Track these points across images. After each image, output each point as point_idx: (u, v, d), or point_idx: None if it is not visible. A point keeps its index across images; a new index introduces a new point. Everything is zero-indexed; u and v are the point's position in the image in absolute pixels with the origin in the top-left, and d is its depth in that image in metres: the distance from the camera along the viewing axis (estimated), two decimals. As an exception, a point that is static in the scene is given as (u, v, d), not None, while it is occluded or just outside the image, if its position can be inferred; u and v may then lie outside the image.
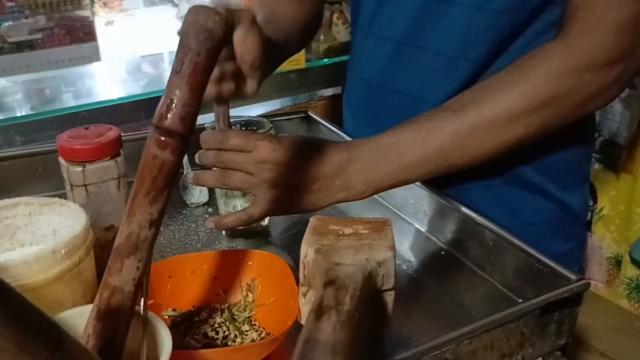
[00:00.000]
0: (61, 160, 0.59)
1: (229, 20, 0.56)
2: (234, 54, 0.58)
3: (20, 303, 0.28)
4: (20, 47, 2.77)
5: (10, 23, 2.70)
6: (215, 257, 0.58)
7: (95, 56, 2.95)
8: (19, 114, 1.15)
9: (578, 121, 0.63)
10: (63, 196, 0.60)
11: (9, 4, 2.57)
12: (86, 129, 0.60)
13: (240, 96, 0.62)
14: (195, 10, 0.40)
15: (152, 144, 0.40)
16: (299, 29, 0.78)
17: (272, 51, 0.67)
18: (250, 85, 0.60)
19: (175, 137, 0.40)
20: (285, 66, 1.33)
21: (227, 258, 0.58)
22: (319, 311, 0.36)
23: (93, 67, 1.73)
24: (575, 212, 0.77)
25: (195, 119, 0.40)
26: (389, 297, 0.49)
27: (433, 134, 0.60)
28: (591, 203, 1.18)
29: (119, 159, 0.61)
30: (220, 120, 0.64)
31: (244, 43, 0.56)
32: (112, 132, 0.61)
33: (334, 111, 1.50)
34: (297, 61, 1.33)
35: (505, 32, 0.66)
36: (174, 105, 0.40)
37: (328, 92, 1.50)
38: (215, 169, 0.63)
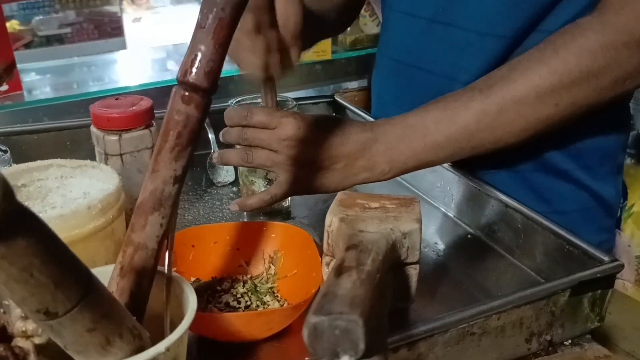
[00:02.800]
0: (95, 130, 0.60)
1: None
2: (275, 23, 0.57)
3: (60, 245, 0.29)
4: (49, 40, 2.82)
5: (41, 17, 2.75)
6: (238, 228, 0.58)
7: (122, 50, 3.00)
8: (46, 97, 1.16)
9: (613, 106, 0.61)
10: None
11: (41, -3, 2.61)
12: (116, 99, 0.61)
13: (285, 68, 0.61)
14: None
15: (177, 99, 0.40)
16: (341, 7, 0.78)
17: (313, 23, 0.66)
18: (293, 54, 0.60)
19: (199, 92, 0.39)
20: (310, 57, 1.33)
21: (250, 230, 0.58)
22: (339, 270, 0.35)
23: (119, 55, 1.74)
24: (607, 202, 0.75)
25: (219, 75, 0.40)
26: (413, 271, 0.48)
27: (459, 113, 0.59)
28: (621, 200, 1.15)
29: (153, 128, 0.61)
30: (267, 97, 0.63)
31: (285, 11, 0.56)
32: (144, 102, 0.61)
33: (359, 103, 1.49)
34: (323, 52, 1.33)
35: (535, 7, 0.64)
36: (198, 60, 0.39)
37: (353, 84, 1.49)
38: (238, 147, 0.63)
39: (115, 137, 0.58)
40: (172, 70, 1.38)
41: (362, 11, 1.39)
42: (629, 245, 1.13)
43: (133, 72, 1.43)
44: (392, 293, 0.44)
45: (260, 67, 0.59)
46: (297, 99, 1.08)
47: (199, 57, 0.40)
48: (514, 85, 0.58)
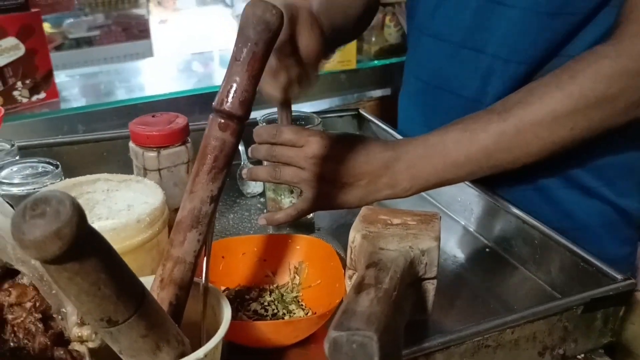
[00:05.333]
0: (133, 147, 0.64)
1: (290, 15, 0.60)
2: (295, 61, 0.62)
3: (120, 261, 0.33)
4: (79, 43, 2.90)
5: (72, 20, 2.83)
6: (265, 240, 0.62)
7: (148, 53, 3.07)
8: (81, 105, 1.22)
9: (635, 124, 0.63)
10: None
11: (73, 0, 2.69)
12: (153, 116, 0.65)
13: (304, 91, 0.66)
14: (253, 3, 0.43)
15: (214, 126, 0.43)
16: (355, 15, 0.81)
17: (329, 39, 0.70)
18: (312, 80, 0.66)
19: (235, 119, 0.43)
20: (335, 66, 1.36)
21: (276, 242, 0.62)
22: (359, 287, 0.39)
23: (147, 62, 1.80)
24: (632, 216, 0.77)
25: (252, 103, 0.44)
26: (431, 286, 0.51)
27: (478, 134, 0.62)
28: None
29: (188, 144, 0.66)
30: (283, 121, 0.68)
31: (307, 45, 0.61)
32: (180, 120, 0.65)
33: (383, 112, 1.52)
34: (348, 62, 1.36)
35: (558, 34, 0.67)
36: (233, 91, 0.43)
37: (377, 93, 1.52)
38: (267, 163, 0.67)
39: (154, 154, 0.63)
40: (197, 79, 1.43)
41: (387, 21, 1.42)
42: (651, 258, 1.14)
43: (161, 80, 1.48)
44: (410, 307, 0.47)
45: (279, 99, 0.65)
46: (322, 111, 1.12)
47: (234, 88, 0.44)
48: (531, 109, 0.61)
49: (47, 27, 2.67)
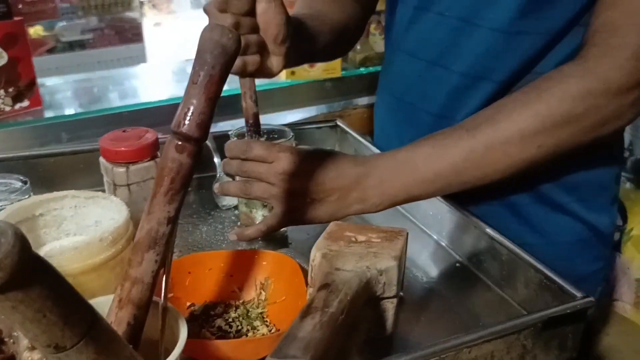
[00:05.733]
0: (104, 162, 0.65)
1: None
2: (256, 28, 0.61)
3: (67, 286, 0.33)
4: (72, 46, 2.91)
5: (65, 23, 2.84)
6: (232, 256, 0.63)
7: (141, 57, 3.08)
8: (65, 113, 1.23)
9: (604, 141, 0.64)
10: (102, 191, 0.66)
11: (64, 5, 2.70)
12: (124, 131, 0.66)
13: (264, 72, 0.65)
14: (211, 27, 0.44)
15: (171, 148, 0.44)
16: (336, 32, 0.81)
17: (304, 37, 0.71)
18: (275, 61, 0.64)
19: (192, 142, 0.44)
20: (321, 74, 1.37)
21: (243, 257, 0.63)
22: (306, 311, 0.40)
23: (136, 70, 1.81)
24: (602, 233, 0.78)
25: (209, 125, 0.45)
26: (390, 305, 0.52)
27: (447, 151, 0.63)
28: (621, 223, 1.18)
29: (158, 159, 0.67)
30: (246, 97, 0.68)
31: (265, 14, 0.60)
32: (150, 135, 0.66)
33: (369, 119, 1.53)
34: (333, 70, 1.37)
35: (528, 54, 0.68)
36: (190, 113, 0.44)
37: (363, 100, 1.53)
38: (238, 178, 0.68)
39: (123, 169, 0.64)
40: (184, 87, 1.44)
41: (372, 29, 1.43)
42: (629, 268, 1.15)
43: (149, 87, 1.49)
44: (366, 326, 0.48)
45: (237, 67, 0.62)
46: (299, 122, 1.13)
47: (191, 110, 0.45)
48: (500, 126, 0.62)
49: (39, 30, 2.69)
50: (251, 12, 0.61)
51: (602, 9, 0.61)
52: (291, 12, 0.68)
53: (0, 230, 0.29)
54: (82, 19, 2.93)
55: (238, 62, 0.62)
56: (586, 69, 0.61)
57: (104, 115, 1.23)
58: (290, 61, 0.67)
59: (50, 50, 2.76)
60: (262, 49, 0.63)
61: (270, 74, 0.67)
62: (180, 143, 0.45)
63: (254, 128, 0.72)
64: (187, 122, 0.44)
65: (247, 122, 0.72)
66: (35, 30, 2.63)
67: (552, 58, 0.68)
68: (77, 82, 1.49)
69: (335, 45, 0.84)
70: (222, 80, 0.45)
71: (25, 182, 0.62)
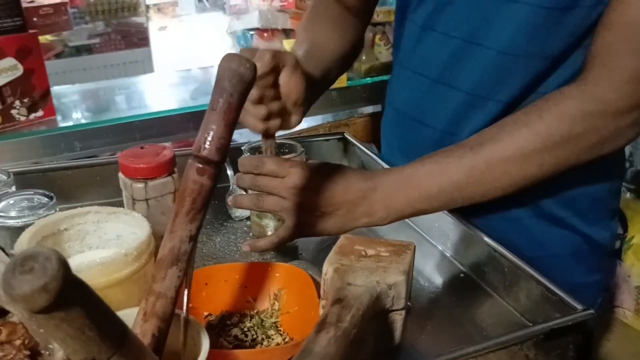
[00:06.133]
0: (123, 177, 0.68)
1: (274, 54, 0.64)
2: (279, 94, 0.67)
3: (102, 305, 0.36)
4: (79, 50, 2.95)
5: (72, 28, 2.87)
6: (246, 268, 0.65)
7: (147, 60, 3.11)
8: (78, 123, 1.26)
9: (603, 158, 0.66)
10: (118, 203, 0.69)
11: (71, 10, 2.73)
12: (142, 148, 0.69)
13: (284, 128, 0.72)
14: (228, 57, 0.47)
15: (192, 171, 0.47)
16: (339, 61, 0.86)
17: (314, 86, 0.75)
18: (294, 119, 0.71)
19: (212, 165, 0.47)
20: (327, 84, 1.40)
21: (257, 269, 0.66)
22: (321, 326, 0.43)
23: (145, 79, 1.84)
24: (601, 245, 0.80)
25: (228, 149, 0.48)
26: (398, 316, 0.54)
27: (450, 168, 0.65)
28: (621, 231, 1.20)
29: (175, 175, 0.70)
30: (267, 152, 0.73)
31: (288, 84, 0.67)
32: (167, 151, 0.69)
33: (374, 127, 1.56)
34: (339, 80, 1.40)
35: (531, 75, 0.70)
36: (210, 138, 0.47)
37: (368, 109, 1.56)
38: (251, 192, 0.71)
39: (141, 185, 0.67)
40: (195, 96, 1.47)
41: (377, 40, 1.46)
42: (629, 276, 1.18)
43: (158, 97, 1.52)
44: (375, 338, 0.51)
45: (262, 130, 0.69)
46: (308, 134, 1.15)
47: (211, 135, 0.47)
48: (501, 145, 0.65)
49: (47, 35, 2.72)
50: (274, 85, 0.68)
51: (601, 33, 0.64)
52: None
53: (45, 256, 0.32)
54: (89, 23, 2.96)
55: (262, 126, 0.70)
56: (585, 90, 0.63)
57: (116, 125, 1.26)
58: (306, 112, 0.74)
59: (58, 55, 2.79)
60: (282, 112, 0.70)
61: (290, 128, 0.73)
62: (201, 166, 0.47)
63: None
64: (207, 146, 0.47)
65: None
66: (43, 36, 2.66)
67: (555, 80, 0.70)
68: (87, 90, 1.52)
69: (340, 69, 0.89)
70: (240, 106, 0.48)
71: (51, 198, 0.64)
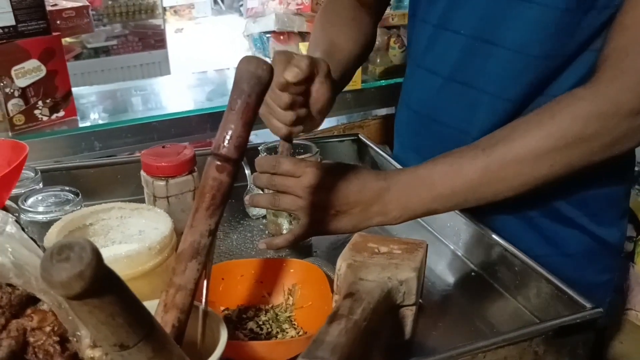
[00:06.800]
0: (145, 175, 0.70)
1: (311, 62, 0.68)
2: (307, 100, 0.71)
3: (130, 294, 0.39)
4: (97, 52, 3.00)
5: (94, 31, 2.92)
6: (262, 263, 0.68)
7: (164, 62, 3.16)
8: (97, 123, 1.29)
9: (614, 159, 0.67)
10: (139, 201, 0.71)
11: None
12: (163, 147, 0.71)
13: (304, 132, 0.75)
14: (247, 60, 0.49)
15: (212, 168, 0.49)
16: (355, 61, 0.88)
17: (336, 90, 0.78)
18: (316, 124, 0.75)
19: (230, 162, 0.49)
20: (342, 86, 1.42)
21: (272, 265, 0.68)
22: (333, 317, 0.45)
23: (162, 80, 1.87)
24: (611, 245, 0.81)
25: (245, 147, 0.50)
26: (409, 312, 0.56)
27: (463, 169, 0.67)
28: (634, 234, 1.21)
29: (195, 173, 0.72)
30: (284, 152, 0.75)
31: (318, 92, 0.70)
32: (188, 151, 0.71)
33: (387, 130, 1.58)
34: (354, 82, 1.42)
35: (542, 75, 0.72)
36: (229, 137, 0.49)
37: (382, 111, 1.58)
38: (267, 191, 0.73)
39: (163, 183, 0.69)
40: (211, 97, 1.50)
41: (392, 43, 1.48)
42: (642, 279, 1.18)
43: (175, 98, 1.55)
44: (387, 332, 0.53)
45: (285, 135, 0.72)
46: (323, 135, 1.18)
47: (229, 134, 0.49)
48: (514, 146, 0.66)
49: (67, 37, 2.77)
50: (305, 92, 0.71)
51: (614, 36, 0.65)
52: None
53: (81, 246, 0.34)
54: (107, 25, 3.02)
55: (285, 131, 0.73)
56: (597, 91, 0.64)
57: (134, 126, 1.29)
58: (325, 117, 0.76)
59: (77, 57, 2.85)
60: (306, 117, 0.73)
61: (309, 132, 0.77)
62: (220, 163, 0.50)
63: None
64: (226, 144, 0.49)
65: None
66: (63, 38, 2.72)
67: (564, 81, 0.72)
68: (105, 92, 1.56)
69: (355, 69, 0.91)
70: (257, 107, 0.50)
71: (77, 194, 0.67)
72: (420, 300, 0.67)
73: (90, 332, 0.39)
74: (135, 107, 1.46)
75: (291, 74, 0.67)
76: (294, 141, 0.84)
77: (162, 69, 3.06)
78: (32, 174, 0.73)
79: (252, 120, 0.50)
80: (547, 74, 0.72)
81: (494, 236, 0.75)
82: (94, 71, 2.88)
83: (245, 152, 0.52)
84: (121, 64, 3.02)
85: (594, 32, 0.68)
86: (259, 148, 0.82)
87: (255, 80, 0.49)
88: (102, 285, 0.35)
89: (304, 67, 0.67)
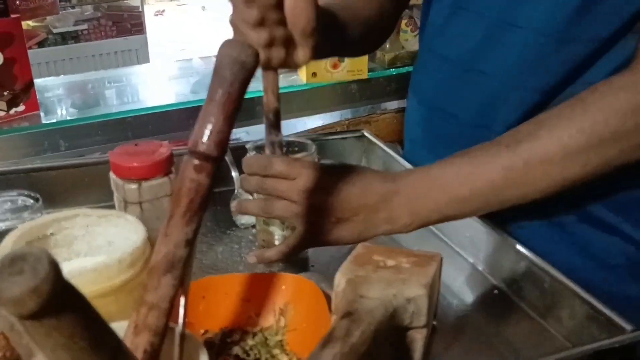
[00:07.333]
0: (114, 178, 0.71)
1: None
2: (284, 19, 0.65)
3: (95, 313, 0.39)
4: (64, 38, 3.02)
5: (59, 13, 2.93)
6: (249, 279, 0.68)
7: (142, 49, 3.17)
8: (63, 119, 1.30)
9: None
10: (108, 208, 0.72)
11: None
12: (136, 145, 0.72)
13: (290, 65, 0.70)
14: (228, 44, 0.49)
15: (189, 168, 0.50)
16: (371, 26, 0.87)
17: (333, 28, 0.75)
18: (302, 53, 0.68)
19: (210, 161, 0.49)
20: (345, 76, 1.43)
21: (261, 281, 0.68)
22: (326, 340, 0.45)
23: (140, 70, 1.88)
24: None
25: (227, 143, 0.50)
26: (418, 335, 0.56)
27: (484, 168, 0.67)
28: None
29: (172, 175, 0.72)
30: (268, 91, 0.73)
31: (294, 7, 0.64)
32: (164, 149, 0.72)
33: (399, 125, 1.58)
34: (359, 71, 1.42)
35: (573, 61, 0.72)
36: (209, 132, 0.49)
37: (393, 104, 1.58)
38: (257, 196, 0.73)
39: (135, 186, 0.70)
40: (194, 89, 1.50)
41: (403, 25, 1.48)
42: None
43: (154, 90, 1.56)
44: (391, 358, 0.53)
45: (262, 60, 0.66)
46: (324, 132, 1.18)
47: (209, 129, 0.50)
48: (541, 143, 0.66)
49: (29, 21, 2.78)
50: (278, 5, 0.65)
51: None
52: (321, 1, 0.73)
53: (36, 257, 0.34)
54: (76, 7, 3.03)
55: (261, 55, 0.66)
56: (637, 81, 0.65)
57: (106, 122, 1.30)
58: (318, 53, 0.71)
59: (41, 43, 2.86)
60: (288, 42, 0.67)
61: (295, 67, 0.71)
62: (198, 163, 0.50)
63: (274, 125, 0.75)
64: (205, 140, 0.50)
65: (266, 117, 0.75)
66: (25, 22, 2.73)
67: (601, 67, 0.72)
68: (73, 83, 1.57)
69: (364, 39, 0.89)
70: (241, 97, 0.51)
71: (37, 200, 0.68)
72: (434, 322, 0.67)
73: (47, 358, 0.39)
74: (108, 101, 1.47)
75: None
76: (288, 139, 0.84)
77: (140, 56, 3.08)
78: (-16, 178, 0.74)
79: (235, 113, 0.50)
80: (580, 59, 0.72)
81: (520, 247, 0.75)
82: (61, 60, 2.89)
83: (233, 152, 0.52)
84: (92, 51, 3.03)
85: (635, 13, 0.68)
86: (247, 146, 0.83)
87: (238, 67, 0.49)
88: (61, 302, 0.35)
89: None
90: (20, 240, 0.60)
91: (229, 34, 0.68)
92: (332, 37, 0.76)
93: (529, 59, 0.74)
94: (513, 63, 0.75)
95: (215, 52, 0.51)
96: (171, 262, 0.50)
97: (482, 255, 0.81)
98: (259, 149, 0.82)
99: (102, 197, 0.86)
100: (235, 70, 0.49)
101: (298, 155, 0.82)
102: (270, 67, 0.71)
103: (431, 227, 0.86)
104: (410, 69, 1.50)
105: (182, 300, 0.52)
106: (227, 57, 0.49)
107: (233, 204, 0.75)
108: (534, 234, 0.78)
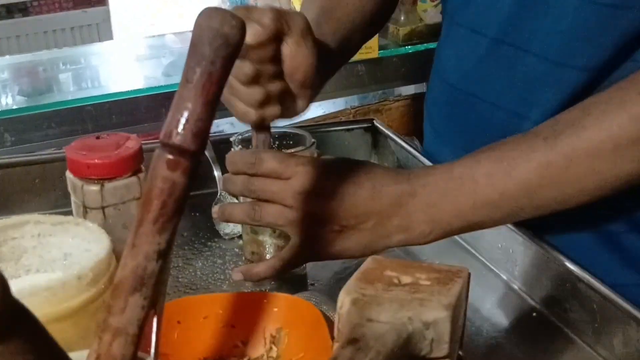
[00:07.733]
0: (71, 178, 0.71)
1: (278, 16, 0.67)
2: (281, 71, 0.69)
3: (49, 339, 0.39)
4: (10, 11, 3.02)
5: (1, -20, 2.94)
6: (234, 300, 0.68)
7: (104, 24, 3.17)
8: (9, 108, 1.30)
9: None
10: (65, 213, 0.71)
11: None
12: (98, 138, 0.72)
13: (285, 117, 0.74)
14: (208, 14, 0.48)
15: (161, 164, 0.49)
16: (364, 22, 0.88)
17: (329, 59, 0.77)
18: (300, 105, 0.73)
19: (187, 156, 0.49)
20: (352, 55, 1.43)
21: (248, 302, 0.68)
22: (325, 373, 0.45)
23: (102, 48, 1.88)
24: None
25: (208, 135, 0.50)
26: (440, 368, 0.56)
27: (517, 165, 0.67)
28: None
29: (142, 175, 0.72)
30: (259, 147, 0.75)
31: (294, 58, 0.68)
32: (132, 143, 0.72)
33: (417, 115, 1.58)
34: (368, 49, 1.42)
35: (625, 34, 0.72)
36: (185, 120, 0.48)
37: (409, 89, 1.58)
38: (244, 199, 0.73)
39: (96, 188, 0.70)
40: (168, 70, 1.50)
41: (423, -6, 1.49)
42: None
43: (119, 72, 1.56)
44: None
45: (255, 120, 0.72)
46: (327, 121, 1.18)
47: (185, 116, 0.49)
48: (587, 134, 0.66)
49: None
50: (273, 59, 0.69)
51: None
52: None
53: (-21, 274, 0.34)
54: (25, -25, 3.04)
55: (255, 115, 0.71)
56: None
57: (61, 111, 1.30)
58: (315, 95, 0.76)
59: (-20, 17, 2.87)
60: (284, 96, 0.72)
61: (293, 116, 0.76)
62: (172, 158, 0.49)
63: None
64: (180, 131, 0.49)
65: None
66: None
67: None
68: (21, 65, 1.57)
69: (366, 34, 0.92)
70: (224, 78, 0.50)
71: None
72: (460, 352, 0.67)
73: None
74: (64, 86, 1.47)
75: (249, 33, 0.65)
76: (282, 130, 0.85)
77: (102, 32, 3.07)
78: None
79: (216, 98, 0.50)
80: (634, 31, 0.72)
81: (564, 260, 0.75)
82: (6, 37, 2.90)
83: (216, 146, 0.52)
84: (44, 27, 3.03)
85: None
86: (232, 139, 0.83)
87: (220, 41, 0.49)
88: (8, 326, 0.35)
89: (266, 21, 0.67)
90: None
91: (208, 1, 0.69)
92: (332, 64, 0.80)
93: (573, 30, 0.74)
94: (554, 36, 0.75)
95: (192, 26, 0.51)
96: (140, 278, 0.50)
97: (517, 270, 0.81)
98: (246, 142, 0.82)
99: (57, 202, 0.87)
100: (217, 45, 0.49)
101: (293, 150, 0.82)
102: (264, 127, 0.74)
103: (456, 236, 0.87)
104: (429, 45, 1.51)
105: (154, 325, 0.52)
106: (206, 29, 0.49)
107: (215, 210, 0.75)
108: (576, 246, 0.78)
